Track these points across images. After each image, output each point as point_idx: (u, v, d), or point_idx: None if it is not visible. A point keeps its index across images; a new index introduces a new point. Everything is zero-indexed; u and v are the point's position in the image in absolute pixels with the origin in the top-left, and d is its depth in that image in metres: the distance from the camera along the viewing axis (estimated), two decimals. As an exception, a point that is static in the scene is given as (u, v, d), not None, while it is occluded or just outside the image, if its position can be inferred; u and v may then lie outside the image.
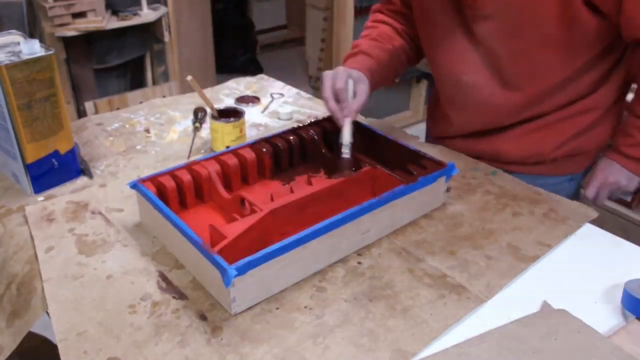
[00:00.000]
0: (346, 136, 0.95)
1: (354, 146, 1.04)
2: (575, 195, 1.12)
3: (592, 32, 0.90)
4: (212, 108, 1.09)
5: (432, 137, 1.21)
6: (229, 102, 1.34)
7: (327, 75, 0.97)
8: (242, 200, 0.85)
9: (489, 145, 1.07)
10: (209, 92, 1.39)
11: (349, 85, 0.96)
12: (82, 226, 0.87)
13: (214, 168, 0.90)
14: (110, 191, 0.97)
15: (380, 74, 1.07)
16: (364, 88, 0.98)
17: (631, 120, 0.98)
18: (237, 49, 3.81)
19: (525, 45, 0.94)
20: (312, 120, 1.04)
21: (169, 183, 0.86)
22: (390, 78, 1.14)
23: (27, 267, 0.80)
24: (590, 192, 1.04)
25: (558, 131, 1.03)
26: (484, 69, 1.00)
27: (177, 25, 2.75)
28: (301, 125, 1.03)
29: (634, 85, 1.01)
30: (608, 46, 0.94)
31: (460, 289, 0.75)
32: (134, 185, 0.84)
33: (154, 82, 2.74)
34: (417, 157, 0.93)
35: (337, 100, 0.96)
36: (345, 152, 0.94)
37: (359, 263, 0.80)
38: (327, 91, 0.96)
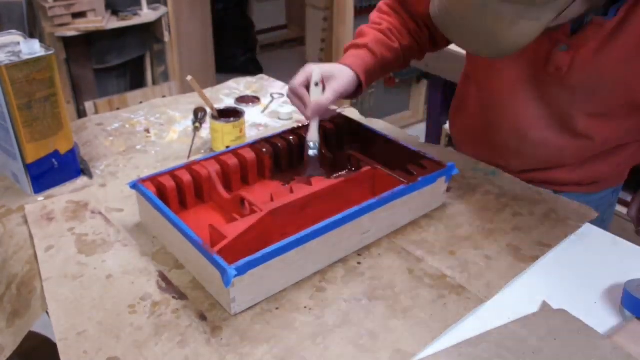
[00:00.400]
0: (311, 133, 0.93)
1: (355, 146, 1.04)
2: (615, 207, 1.11)
3: None
4: (212, 108, 1.09)
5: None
6: (229, 102, 1.34)
7: (301, 70, 0.93)
8: (242, 200, 0.85)
9: (542, 175, 1.03)
10: (209, 92, 1.39)
11: (313, 89, 0.91)
12: (82, 226, 0.87)
13: (214, 168, 0.90)
14: (110, 191, 0.97)
15: (378, 73, 1.02)
16: (335, 87, 0.92)
17: None
18: (237, 49, 3.81)
19: (607, 111, 0.90)
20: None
21: (169, 183, 0.86)
22: (386, 76, 1.11)
23: (27, 267, 0.80)
24: (632, 211, 0.99)
25: (615, 156, 0.99)
26: (554, 127, 0.94)
27: (177, 25, 2.75)
28: (301, 125, 1.02)
29: None
30: None
31: (460, 289, 0.75)
32: (134, 185, 0.84)
33: (154, 82, 2.74)
34: (417, 157, 0.92)
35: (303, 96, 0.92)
36: (311, 148, 0.93)
37: (359, 263, 0.80)
38: (298, 82, 0.92)
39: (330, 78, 0.93)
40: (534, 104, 0.94)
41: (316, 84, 0.91)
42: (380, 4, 1.08)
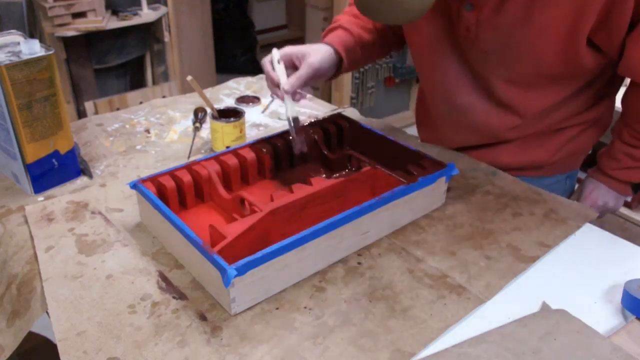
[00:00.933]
0: (288, 110, 0.94)
1: (355, 146, 1.04)
2: (573, 191, 1.13)
3: (591, 67, 0.89)
4: (212, 108, 1.09)
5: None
6: (229, 102, 1.34)
7: (264, 62, 0.96)
8: (242, 201, 0.85)
9: (485, 156, 1.06)
10: (209, 92, 1.39)
11: (276, 67, 0.94)
12: (82, 226, 0.87)
13: (214, 168, 0.90)
14: (110, 191, 0.97)
15: (360, 51, 1.03)
16: (309, 61, 0.94)
17: (618, 145, 0.98)
18: (237, 49, 3.81)
19: (521, 76, 0.93)
20: (312, 120, 1.04)
21: (169, 183, 0.86)
22: (370, 58, 1.10)
23: (27, 267, 0.80)
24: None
25: (555, 140, 1.02)
26: (478, 91, 0.99)
27: (177, 25, 2.75)
28: (301, 125, 1.02)
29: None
30: (605, 70, 0.93)
31: (460, 290, 0.75)
32: (134, 186, 0.84)
33: (154, 82, 2.74)
34: (417, 158, 0.92)
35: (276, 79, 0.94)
36: (290, 128, 0.94)
37: (359, 263, 0.80)
38: (268, 61, 0.95)
39: (304, 55, 0.95)
40: (456, 66, 0.98)
41: (278, 62, 0.93)
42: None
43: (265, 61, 0.95)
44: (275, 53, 0.94)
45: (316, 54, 0.95)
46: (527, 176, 1.03)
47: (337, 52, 0.98)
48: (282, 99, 0.94)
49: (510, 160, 1.04)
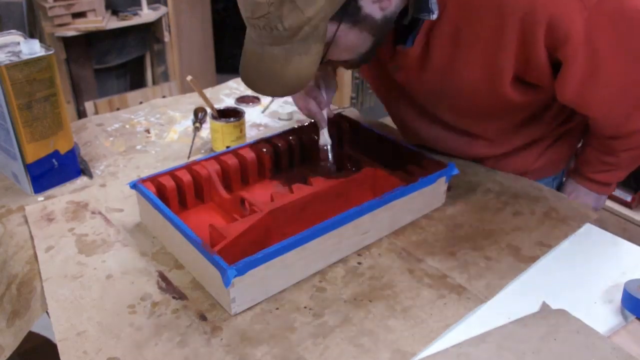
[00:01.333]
0: (325, 137, 0.96)
1: (355, 146, 1.04)
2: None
3: (527, 102, 0.89)
4: (212, 108, 1.09)
5: None
6: (229, 102, 1.34)
7: (299, 98, 0.97)
8: (242, 201, 0.85)
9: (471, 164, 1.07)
10: (209, 92, 1.39)
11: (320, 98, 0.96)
12: (82, 226, 0.87)
13: (214, 168, 0.90)
14: (110, 191, 0.97)
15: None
16: (331, 83, 0.98)
17: (591, 152, 0.99)
18: (237, 49, 3.79)
19: (468, 114, 0.95)
20: (312, 121, 1.04)
21: (169, 183, 0.86)
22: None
23: (27, 267, 0.80)
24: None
25: (531, 151, 1.03)
26: (437, 124, 1.01)
27: (177, 25, 2.76)
28: (301, 125, 1.02)
29: None
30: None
31: (460, 290, 0.75)
32: (134, 185, 0.84)
33: (154, 82, 2.74)
34: (417, 158, 0.92)
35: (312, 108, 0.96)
36: (329, 154, 0.96)
37: (359, 263, 0.80)
38: (302, 98, 0.97)
39: (325, 88, 0.98)
40: (410, 106, 1.02)
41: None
42: None
43: (312, 105, 0.96)
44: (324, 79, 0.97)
45: (329, 83, 0.99)
46: None
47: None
48: (323, 123, 0.97)
49: (494, 168, 1.06)
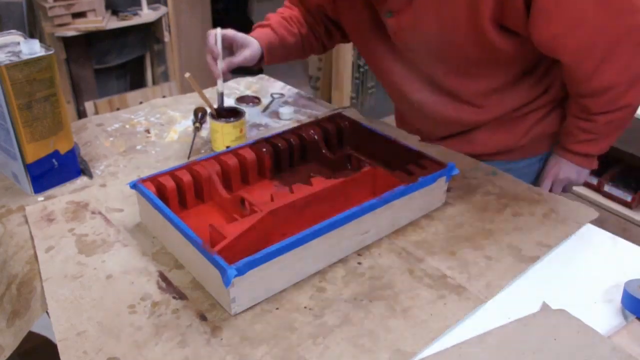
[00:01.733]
0: (218, 86, 1.07)
1: (355, 146, 1.04)
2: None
3: (511, 50, 0.93)
4: (210, 106, 1.09)
5: None
6: (229, 102, 1.34)
7: (212, 31, 1.06)
8: (242, 201, 0.85)
9: (459, 145, 1.10)
10: (209, 92, 1.39)
11: (217, 44, 1.04)
12: (82, 226, 0.87)
13: (214, 168, 0.90)
14: (110, 191, 0.97)
15: (281, 51, 1.15)
16: (243, 52, 1.07)
17: (570, 119, 1.02)
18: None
19: (456, 68, 0.99)
20: (312, 120, 1.04)
21: (169, 183, 0.86)
22: (290, 57, 1.22)
23: (27, 267, 0.80)
24: (544, 187, 1.10)
25: (520, 124, 1.07)
26: (427, 88, 1.05)
27: (177, 25, 2.76)
28: (301, 125, 1.02)
29: None
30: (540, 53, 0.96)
31: (460, 290, 0.75)
32: (134, 185, 0.84)
33: (154, 82, 2.74)
34: (417, 157, 0.92)
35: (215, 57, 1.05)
36: (219, 100, 1.07)
37: (359, 263, 0.80)
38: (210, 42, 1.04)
39: (242, 45, 1.07)
40: (400, 66, 1.07)
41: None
42: (285, 1, 1.25)
43: (211, 33, 1.05)
44: (219, 32, 1.05)
45: (252, 47, 1.08)
46: (499, 161, 1.08)
47: (262, 49, 1.11)
48: (218, 76, 1.06)
49: (480, 148, 1.09)
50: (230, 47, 1.08)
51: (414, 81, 1.06)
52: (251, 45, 1.09)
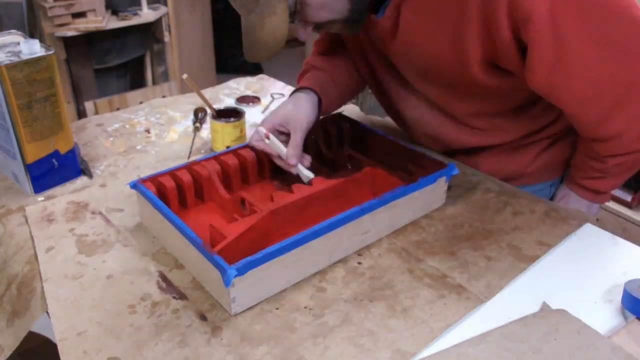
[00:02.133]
0: (305, 173, 0.90)
1: (355, 146, 1.04)
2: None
3: (505, 89, 0.88)
4: (209, 106, 1.09)
5: None
6: (229, 102, 1.34)
7: (258, 139, 0.92)
8: (242, 201, 0.85)
9: (468, 162, 1.05)
10: (209, 92, 1.39)
11: (269, 143, 0.90)
12: (82, 226, 0.87)
13: (214, 168, 0.90)
14: (110, 191, 0.97)
15: (332, 89, 1.01)
16: (297, 128, 0.91)
17: (579, 155, 0.97)
18: (237, 49, 3.79)
19: (447, 90, 0.94)
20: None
21: (169, 183, 0.86)
22: (347, 93, 1.08)
23: (27, 267, 0.80)
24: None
25: (528, 150, 1.02)
26: (423, 105, 1.01)
27: (177, 25, 2.76)
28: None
29: None
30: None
31: (460, 289, 0.75)
32: (134, 185, 0.84)
33: (154, 82, 2.74)
34: (417, 158, 0.92)
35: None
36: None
37: (359, 263, 0.80)
38: (271, 152, 0.92)
39: (288, 121, 0.92)
40: (396, 83, 1.01)
41: (268, 139, 0.89)
42: (312, 51, 1.13)
43: (254, 140, 0.93)
44: (261, 130, 0.90)
45: (300, 113, 0.92)
46: (511, 184, 1.02)
47: (316, 94, 0.97)
48: (291, 170, 0.91)
49: (491, 170, 1.03)
50: (281, 133, 0.94)
51: (410, 99, 1.01)
52: (298, 111, 0.93)
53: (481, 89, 0.89)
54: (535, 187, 1.04)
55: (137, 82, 2.73)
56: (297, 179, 0.91)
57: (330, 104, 1.01)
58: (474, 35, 0.79)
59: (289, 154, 0.89)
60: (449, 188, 0.93)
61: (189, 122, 1.23)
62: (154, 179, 0.86)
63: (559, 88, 0.81)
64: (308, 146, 1.00)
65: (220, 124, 1.07)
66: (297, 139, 0.90)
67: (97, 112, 2.42)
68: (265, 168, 0.96)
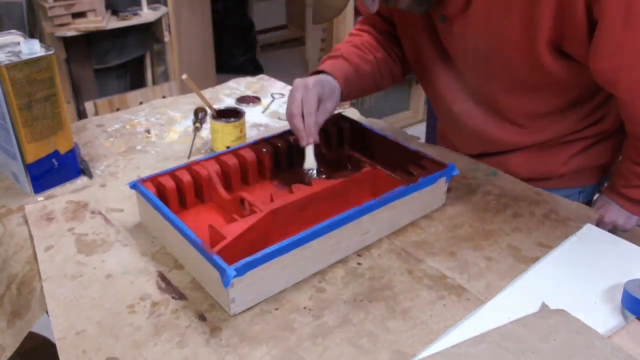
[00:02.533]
0: (311, 160, 0.90)
1: (355, 146, 1.04)
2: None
3: (567, 78, 0.88)
4: (209, 106, 1.09)
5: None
6: (229, 102, 1.34)
7: (299, 87, 0.90)
8: (242, 201, 0.85)
9: (495, 164, 1.05)
10: (209, 92, 1.39)
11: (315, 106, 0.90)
12: (81, 226, 0.87)
13: (214, 168, 0.90)
14: (110, 191, 0.97)
15: (358, 83, 1.02)
16: (328, 107, 0.93)
17: (625, 162, 0.95)
18: (237, 49, 3.81)
19: (503, 84, 0.94)
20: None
21: (169, 183, 0.86)
22: (369, 89, 1.09)
23: (27, 267, 0.80)
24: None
25: (561, 151, 1.00)
26: (471, 100, 1.00)
27: (177, 25, 2.75)
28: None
29: None
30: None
31: (460, 290, 0.75)
32: (133, 186, 0.84)
33: (154, 82, 2.74)
34: (417, 158, 0.92)
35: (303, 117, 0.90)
36: (312, 175, 0.90)
37: (359, 264, 0.80)
38: (297, 107, 0.89)
39: (321, 101, 0.92)
40: (447, 74, 1.02)
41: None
42: (352, 30, 1.14)
43: (310, 100, 0.90)
44: (328, 89, 0.93)
45: (332, 99, 0.94)
46: (537, 187, 1.01)
47: (338, 83, 0.98)
48: (305, 141, 0.91)
49: (518, 170, 1.02)
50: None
51: (460, 91, 1.01)
52: (331, 95, 0.94)
53: (540, 78, 0.88)
54: (561, 192, 1.01)
55: (137, 82, 2.73)
56: (297, 179, 0.91)
57: (348, 95, 1.01)
58: (546, 12, 0.79)
59: (311, 130, 0.89)
60: (448, 190, 0.93)
61: (189, 122, 1.23)
62: (153, 179, 0.86)
63: (619, 71, 0.81)
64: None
65: (220, 124, 1.07)
66: (320, 119, 0.91)
67: (97, 113, 2.42)
68: (265, 168, 0.96)
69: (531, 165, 1.02)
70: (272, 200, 0.84)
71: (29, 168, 0.94)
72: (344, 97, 1.00)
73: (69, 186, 0.99)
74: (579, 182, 1.05)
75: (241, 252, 0.69)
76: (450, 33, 0.94)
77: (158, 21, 2.59)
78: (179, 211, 0.87)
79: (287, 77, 1.65)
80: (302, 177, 0.91)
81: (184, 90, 2.61)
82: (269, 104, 1.33)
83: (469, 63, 0.96)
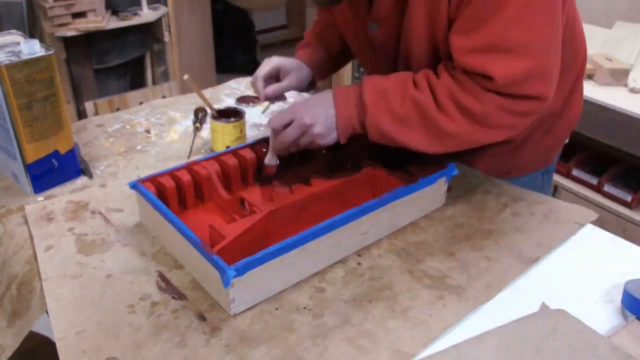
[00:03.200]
0: (270, 156, 0.93)
1: (354, 146, 1.04)
2: (550, 187, 1.13)
3: None
4: (210, 106, 1.09)
5: None
6: (229, 102, 1.34)
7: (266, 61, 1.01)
8: (242, 201, 0.85)
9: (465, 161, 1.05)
10: (209, 92, 1.39)
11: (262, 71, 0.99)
12: (81, 226, 0.87)
13: (213, 168, 0.90)
14: (110, 191, 0.97)
15: (328, 63, 1.10)
16: (289, 77, 1.00)
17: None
18: (237, 49, 3.81)
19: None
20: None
21: (169, 183, 0.86)
22: (342, 64, 1.17)
23: (27, 267, 0.80)
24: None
25: (518, 149, 1.01)
26: None
27: (177, 25, 2.76)
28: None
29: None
30: None
31: (460, 290, 0.75)
32: (133, 186, 0.84)
33: (154, 82, 2.74)
34: (417, 158, 0.92)
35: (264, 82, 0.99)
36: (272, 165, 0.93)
37: (359, 264, 0.80)
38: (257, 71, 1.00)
39: (289, 72, 1.00)
40: (385, 67, 1.00)
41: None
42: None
43: (263, 72, 1.00)
44: (290, 65, 1.00)
45: (298, 71, 1.02)
46: (500, 178, 1.02)
47: (309, 69, 1.05)
48: (262, 100, 1.01)
49: (483, 168, 1.03)
50: (277, 76, 1.02)
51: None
52: (297, 69, 1.02)
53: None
54: (526, 178, 1.05)
55: (137, 82, 2.73)
56: (297, 179, 0.91)
57: (323, 77, 1.10)
58: (441, 10, 0.81)
59: (270, 87, 0.99)
60: (448, 189, 0.93)
61: (189, 122, 1.23)
62: (153, 179, 0.86)
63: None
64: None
65: (220, 124, 1.07)
66: (283, 84, 0.99)
67: (97, 112, 2.42)
68: (265, 168, 0.96)
69: (493, 167, 1.03)
70: (271, 200, 0.84)
71: (29, 168, 0.94)
72: (318, 77, 1.07)
73: (69, 186, 0.99)
74: (541, 165, 1.07)
75: (241, 252, 0.69)
76: (386, 37, 0.94)
77: (158, 21, 2.60)
78: (178, 211, 0.87)
79: (287, 77, 1.64)
80: (302, 178, 0.91)
81: (184, 90, 2.61)
82: (269, 105, 1.33)
83: (412, 63, 0.94)
